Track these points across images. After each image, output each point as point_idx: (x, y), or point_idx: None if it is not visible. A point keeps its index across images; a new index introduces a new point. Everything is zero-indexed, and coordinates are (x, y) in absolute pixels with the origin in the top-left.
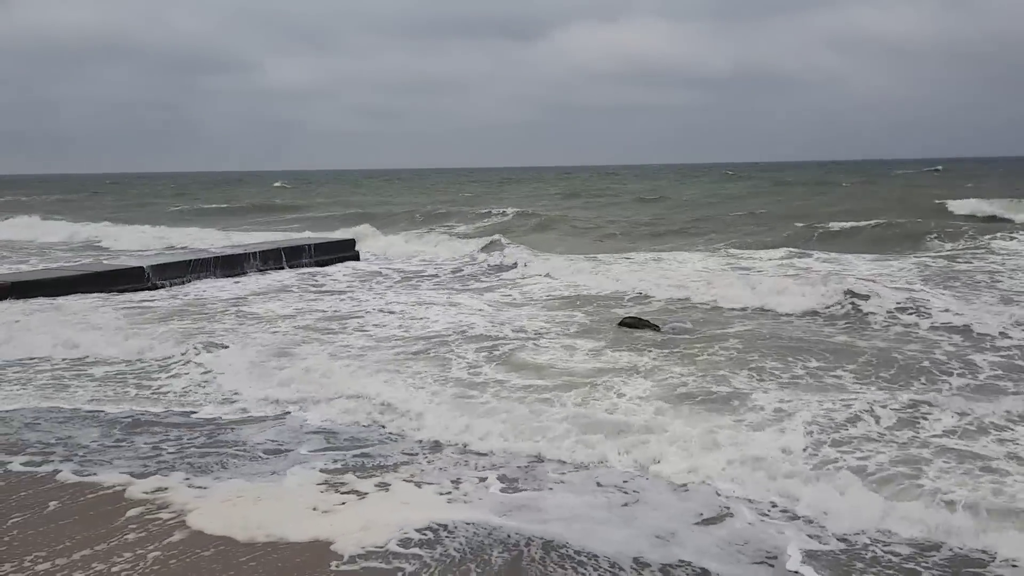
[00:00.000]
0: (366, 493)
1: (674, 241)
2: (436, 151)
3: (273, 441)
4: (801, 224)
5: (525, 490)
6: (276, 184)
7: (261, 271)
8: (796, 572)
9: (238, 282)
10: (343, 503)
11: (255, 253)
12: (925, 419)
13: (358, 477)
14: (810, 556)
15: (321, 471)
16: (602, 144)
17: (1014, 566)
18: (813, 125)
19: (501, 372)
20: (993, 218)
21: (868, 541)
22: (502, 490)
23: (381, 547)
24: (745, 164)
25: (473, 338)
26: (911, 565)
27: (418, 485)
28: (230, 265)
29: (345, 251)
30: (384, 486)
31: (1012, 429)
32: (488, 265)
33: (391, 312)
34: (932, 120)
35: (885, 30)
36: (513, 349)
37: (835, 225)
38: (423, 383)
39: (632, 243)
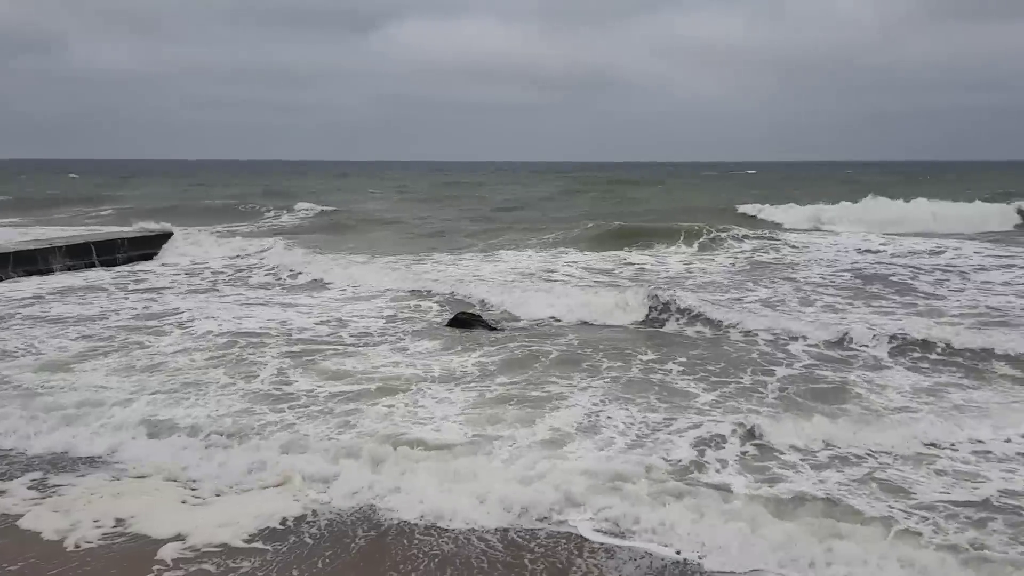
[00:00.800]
0: None
1: (494, 239)
2: (278, 143)
3: None
4: (607, 224)
5: None
6: (71, 175)
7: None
8: None
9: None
10: None
11: (57, 248)
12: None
13: None
14: None
15: None
16: (444, 140)
17: None
18: (644, 127)
19: (310, 379)
20: (769, 222)
21: None
22: None
23: None
24: (582, 164)
25: (285, 339)
26: None
27: None
28: (27, 261)
29: (149, 248)
30: None
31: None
32: (287, 269)
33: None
34: (752, 125)
35: (706, 37)
36: (318, 353)
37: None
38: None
39: (449, 242)
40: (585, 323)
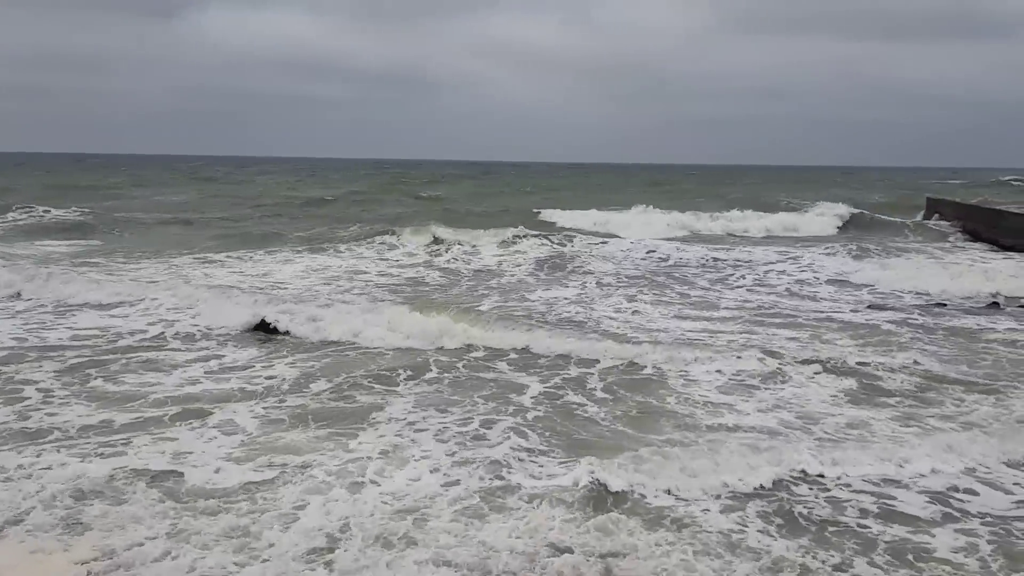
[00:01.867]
0: None
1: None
2: (70, 135)
3: None
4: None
5: None
6: None
7: None
8: None
9: None
10: None
11: None
12: None
13: None
14: None
15: None
16: (252, 134)
17: None
18: (462, 126)
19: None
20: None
21: None
22: None
23: None
24: (401, 161)
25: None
26: None
27: None
28: None
29: None
30: None
31: None
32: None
33: None
34: (565, 127)
35: (519, 41)
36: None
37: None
38: None
39: (244, 241)
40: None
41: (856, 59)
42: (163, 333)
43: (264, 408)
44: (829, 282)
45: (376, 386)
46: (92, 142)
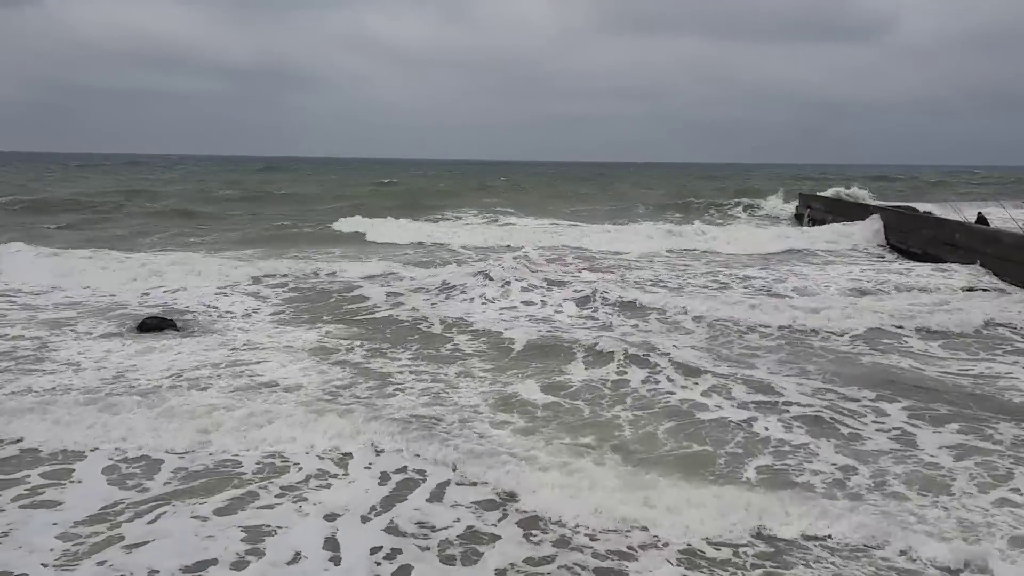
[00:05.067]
0: None
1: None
2: None
3: None
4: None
5: None
6: None
7: None
8: None
9: None
10: None
11: None
12: None
13: None
14: None
15: None
16: (112, 130)
17: None
18: (337, 122)
19: None
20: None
21: None
22: None
23: None
24: (274, 158)
25: None
26: None
27: None
28: None
29: None
30: None
31: None
32: None
33: None
34: (443, 123)
35: (396, 36)
36: None
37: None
38: None
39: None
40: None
41: (725, 59)
42: None
43: None
44: None
45: None
46: None
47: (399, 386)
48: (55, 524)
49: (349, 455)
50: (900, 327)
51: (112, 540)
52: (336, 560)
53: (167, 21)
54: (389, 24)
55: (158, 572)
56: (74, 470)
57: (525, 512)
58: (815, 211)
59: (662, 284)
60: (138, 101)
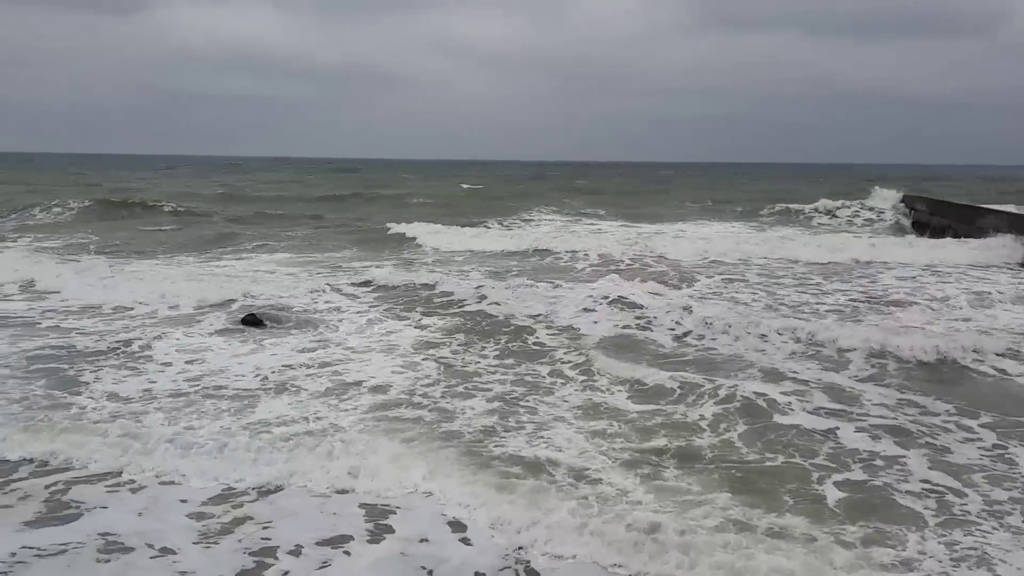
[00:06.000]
0: None
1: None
2: (15, 133)
3: None
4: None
5: None
6: None
7: None
8: None
9: None
10: None
11: None
12: None
13: None
14: None
15: None
16: (211, 134)
17: None
18: (424, 124)
19: None
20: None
21: None
22: None
23: None
24: (361, 160)
25: None
26: None
27: None
28: None
29: None
30: None
31: None
32: None
33: None
34: (527, 124)
35: (483, 38)
36: None
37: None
38: None
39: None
40: None
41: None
42: None
43: None
44: None
45: None
46: (39, 141)
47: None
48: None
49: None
50: None
51: None
52: None
53: (262, 27)
54: (477, 26)
55: None
56: None
57: None
58: (919, 213)
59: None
60: (233, 105)
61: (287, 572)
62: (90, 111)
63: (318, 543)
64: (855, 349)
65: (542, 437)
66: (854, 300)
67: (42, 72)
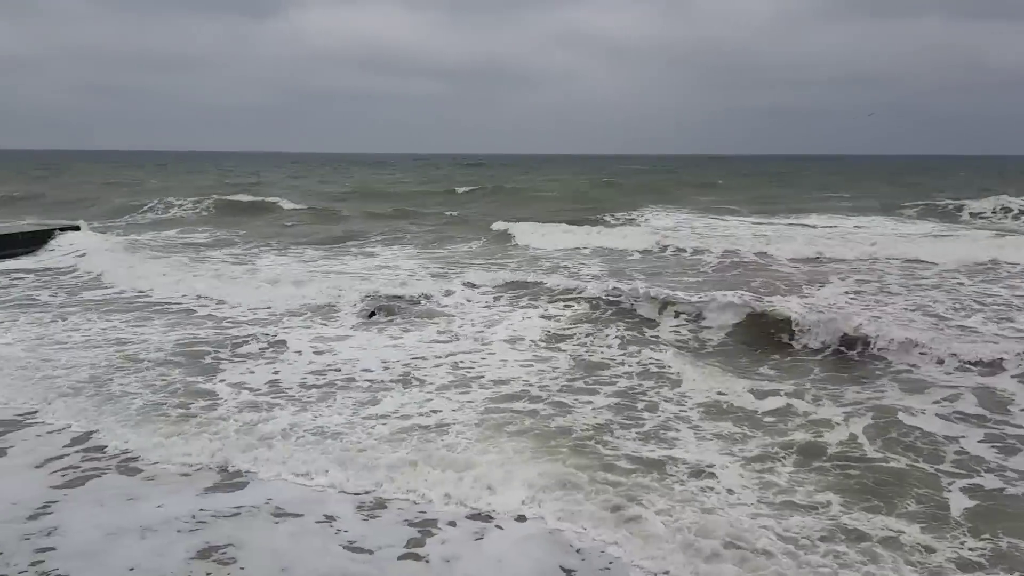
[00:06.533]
0: None
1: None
2: (169, 133)
3: None
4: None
5: None
6: None
7: None
8: None
9: None
10: None
11: None
12: None
13: None
14: None
15: None
16: (342, 132)
17: None
18: (550, 119)
19: None
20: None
21: None
22: None
23: None
24: (487, 156)
25: None
26: None
27: None
28: None
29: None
30: None
31: None
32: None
33: None
34: (654, 117)
35: (610, 31)
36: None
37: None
38: None
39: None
40: None
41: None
42: None
43: None
44: None
45: None
46: (178, 140)
47: None
48: None
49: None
50: None
51: None
52: None
53: (392, 27)
54: (605, 19)
55: None
56: None
57: None
58: None
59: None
60: (363, 103)
61: (445, 541)
62: (233, 111)
63: (468, 517)
64: None
65: (659, 437)
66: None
67: (196, 74)
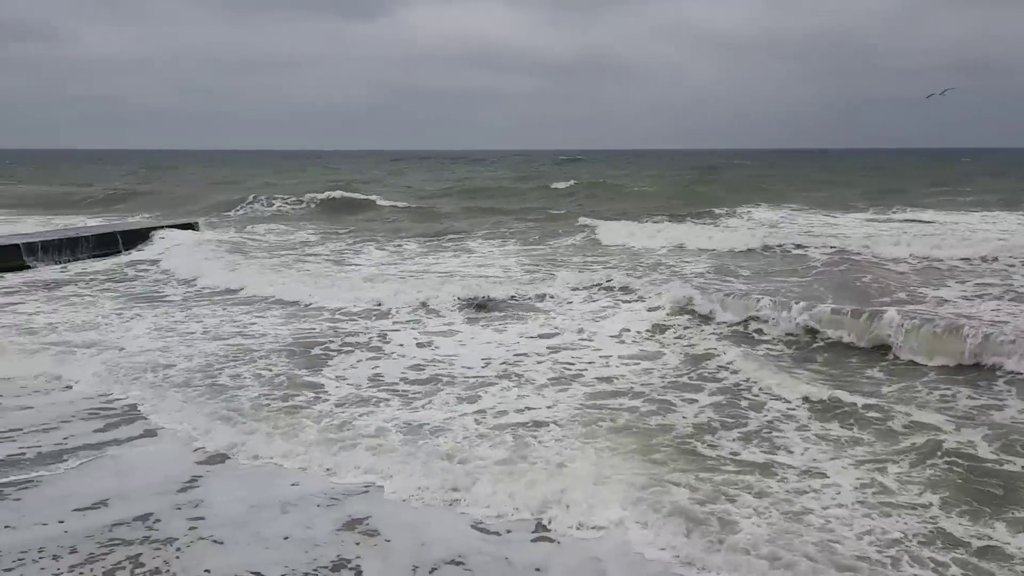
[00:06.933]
0: None
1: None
2: (273, 132)
3: None
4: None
5: None
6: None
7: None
8: None
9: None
10: None
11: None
12: None
13: None
14: None
15: None
16: (443, 129)
17: None
18: (652, 114)
19: None
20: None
21: None
22: None
23: None
24: (586, 151)
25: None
26: None
27: None
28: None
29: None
30: None
31: None
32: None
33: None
34: (759, 112)
35: (716, 24)
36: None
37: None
38: None
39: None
40: None
41: None
42: None
43: None
44: None
45: None
46: (280, 139)
47: None
48: None
49: None
50: None
51: None
52: None
53: (495, 24)
54: (710, 10)
55: None
56: None
57: None
58: None
59: None
60: (467, 101)
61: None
62: (334, 110)
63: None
64: None
65: (765, 438)
66: None
67: (299, 74)
